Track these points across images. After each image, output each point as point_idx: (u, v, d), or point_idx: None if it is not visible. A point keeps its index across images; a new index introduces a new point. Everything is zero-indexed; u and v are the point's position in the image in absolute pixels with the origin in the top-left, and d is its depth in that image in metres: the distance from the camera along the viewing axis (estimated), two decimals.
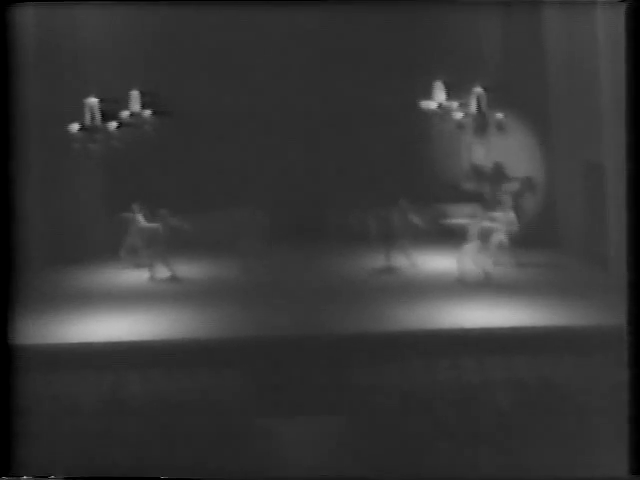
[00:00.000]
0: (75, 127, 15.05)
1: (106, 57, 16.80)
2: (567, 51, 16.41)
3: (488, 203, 15.94)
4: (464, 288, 14.46)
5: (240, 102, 17.23)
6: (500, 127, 15.63)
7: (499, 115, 15.58)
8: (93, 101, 15.23)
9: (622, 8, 8.45)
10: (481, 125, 15.71)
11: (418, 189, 16.82)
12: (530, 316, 12.88)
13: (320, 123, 17.36)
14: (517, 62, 17.14)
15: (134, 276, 15.43)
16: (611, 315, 10.32)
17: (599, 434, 9.58)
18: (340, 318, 13.02)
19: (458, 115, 15.77)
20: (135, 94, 15.80)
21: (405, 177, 17.11)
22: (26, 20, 15.34)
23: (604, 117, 14.48)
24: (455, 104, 15.90)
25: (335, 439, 10.72)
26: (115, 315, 13.43)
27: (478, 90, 15.71)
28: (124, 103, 15.68)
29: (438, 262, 15.84)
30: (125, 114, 15.61)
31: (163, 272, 15.33)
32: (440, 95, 15.87)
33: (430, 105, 15.89)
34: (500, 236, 15.34)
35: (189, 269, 15.93)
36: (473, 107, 15.74)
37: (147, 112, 15.83)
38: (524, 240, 15.42)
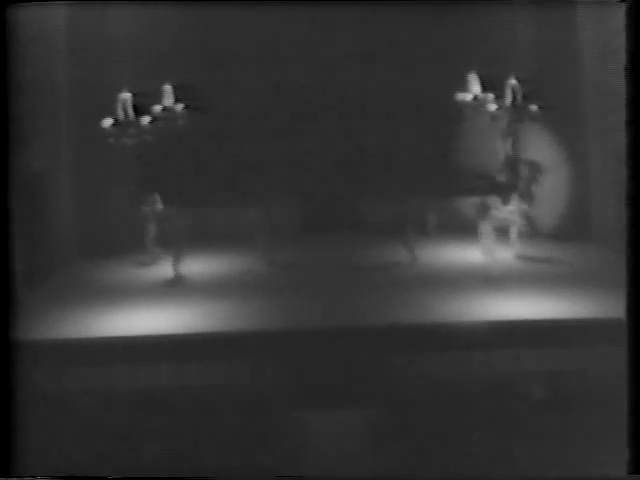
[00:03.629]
0: (108, 122, 15.07)
1: (138, 52, 16.83)
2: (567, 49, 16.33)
3: (509, 194, 15.79)
4: (488, 280, 14.33)
5: (272, 96, 17.22)
6: (534, 119, 15.53)
7: (533, 107, 15.43)
8: (126, 96, 15.27)
9: (622, 8, 8.34)
10: (515, 117, 15.60)
11: (451, 182, 16.78)
12: (549, 308, 12.76)
13: (352, 116, 17.31)
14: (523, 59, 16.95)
15: (160, 270, 15.39)
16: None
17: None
18: (372, 310, 12.94)
19: (493, 107, 15.67)
20: (168, 88, 15.84)
21: (438, 169, 17.05)
22: (57, 16, 15.58)
23: (602, 117, 14.40)
24: (491, 96, 15.79)
25: (367, 433, 10.70)
26: (142, 309, 13.47)
27: (513, 82, 15.60)
28: (157, 97, 15.73)
29: (462, 255, 15.74)
30: (158, 108, 15.65)
31: (186, 266, 15.29)
32: (475, 87, 15.78)
33: (466, 97, 15.81)
34: (519, 228, 15.26)
35: (217, 263, 15.96)
36: (508, 99, 15.64)
37: (180, 106, 15.86)
38: (546, 232, 15.34)
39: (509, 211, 15.36)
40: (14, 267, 9.00)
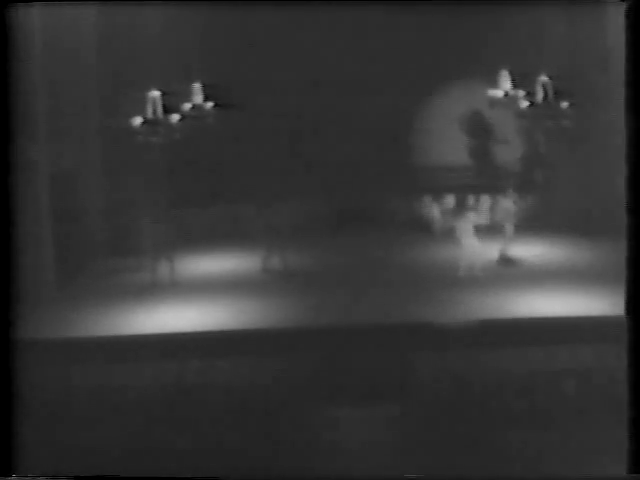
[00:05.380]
0: (138, 120, 15.13)
1: (168, 51, 16.91)
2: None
3: (530, 191, 15.71)
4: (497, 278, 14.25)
5: (300, 95, 17.23)
6: (564, 116, 15.38)
7: (564, 104, 15.29)
8: (155, 94, 15.31)
9: (622, 8, 8.20)
10: (546, 114, 15.48)
11: (479, 179, 16.76)
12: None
13: (384, 114, 17.29)
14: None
15: (182, 269, 15.37)
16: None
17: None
18: (402, 307, 12.91)
19: (524, 104, 15.57)
20: (197, 87, 15.89)
21: (467, 167, 17.02)
22: (88, 16, 15.72)
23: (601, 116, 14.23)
24: (521, 93, 15.68)
25: (395, 429, 10.68)
26: (165, 307, 13.56)
27: (544, 79, 15.46)
28: (186, 96, 15.79)
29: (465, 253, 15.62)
30: (187, 107, 15.71)
31: (211, 265, 15.23)
32: (506, 84, 15.68)
33: (497, 94, 15.72)
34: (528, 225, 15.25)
35: (241, 261, 15.98)
36: (539, 96, 15.51)
37: (209, 104, 15.91)
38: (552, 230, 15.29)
39: (523, 208, 15.33)
40: (17, 266, 9.08)
